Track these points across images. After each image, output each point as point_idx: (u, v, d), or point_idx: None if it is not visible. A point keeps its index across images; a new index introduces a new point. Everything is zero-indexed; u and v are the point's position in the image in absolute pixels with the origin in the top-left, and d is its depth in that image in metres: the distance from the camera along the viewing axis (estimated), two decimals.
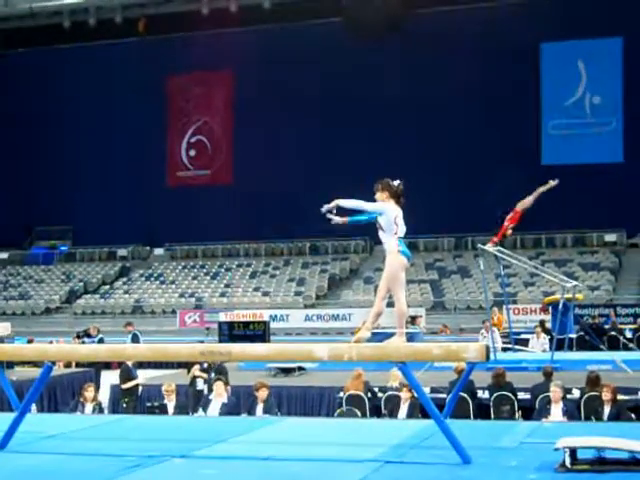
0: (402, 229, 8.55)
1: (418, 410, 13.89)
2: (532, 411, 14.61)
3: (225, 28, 48.19)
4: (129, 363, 17.23)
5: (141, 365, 19.04)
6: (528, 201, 22.53)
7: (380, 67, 45.60)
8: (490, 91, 44.51)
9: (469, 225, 42.98)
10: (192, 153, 51.73)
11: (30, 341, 25.76)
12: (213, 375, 16.73)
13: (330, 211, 8.57)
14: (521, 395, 15.69)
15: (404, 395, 14.54)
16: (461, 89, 44.32)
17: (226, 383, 16.25)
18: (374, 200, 8.63)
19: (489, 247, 22.51)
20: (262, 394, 14.71)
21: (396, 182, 8.69)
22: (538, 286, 39.49)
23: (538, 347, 24.88)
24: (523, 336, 26.83)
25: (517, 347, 24.15)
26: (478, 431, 9.69)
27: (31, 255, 52.52)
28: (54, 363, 9.21)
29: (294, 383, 18.39)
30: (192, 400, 16.92)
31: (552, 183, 22.14)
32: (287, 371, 19.52)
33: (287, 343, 11.17)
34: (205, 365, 17.19)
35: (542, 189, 22.29)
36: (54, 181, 50.06)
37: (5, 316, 42.27)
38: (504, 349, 23.77)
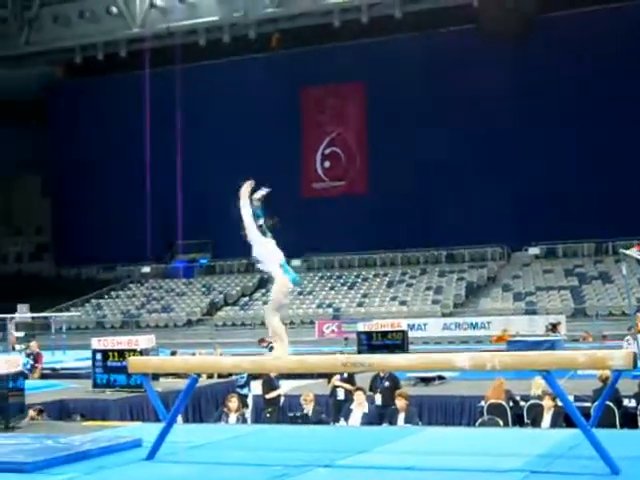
0: (280, 254, 9.22)
1: (562, 419, 13.65)
2: None
3: (357, 39, 48.46)
4: (272, 374, 17.42)
5: (282, 375, 19.20)
6: None
7: (515, 72, 45.04)
8: (630, 92, 43.49)
9: (610, 230, 42.04)
10: (327, 164, 52.03)
11: (173, 353, 26.30)
12: (387, 384, 16.77)
13: None
14: None
15: (547, 404, 14.31)
16: (599, 91, 43.48)
17: (399, 388, 16.40)
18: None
19: (633, 252, 21.96)
20: (402, 403, 14.68)
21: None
22: None
23: None
24: None
25: None
26: (626, 441, 9.45)
27: (172, 269, 53.69)
28: (199, 375, 9.38)
29: (434, 392, 18.28)
30: (333, 410, 17.00)
31: None
32: (427, 380, 19.40)
33: (426, 352, 11.13)
34: (345, 375, 17.25)
35: None
36: (194, 196, 51.00)
37: (149, 328, 43.32)
38: None
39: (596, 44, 43.55)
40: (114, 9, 50.46)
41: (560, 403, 13.21)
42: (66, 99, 55.83)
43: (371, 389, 16.85)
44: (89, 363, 19.74)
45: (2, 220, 64.44)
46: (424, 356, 8.66)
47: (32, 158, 58.58)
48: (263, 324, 41.70)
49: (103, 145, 53.26)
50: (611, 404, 14.48)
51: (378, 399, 16.62)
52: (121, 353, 18.07)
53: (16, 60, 54.29)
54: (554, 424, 13.87)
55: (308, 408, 15.71)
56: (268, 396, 17.64)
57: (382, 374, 16.90)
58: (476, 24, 45.85)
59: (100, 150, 53.38)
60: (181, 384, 15.77)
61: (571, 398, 13.70)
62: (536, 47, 45.16)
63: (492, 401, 15.52)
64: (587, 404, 14.39)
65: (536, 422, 14.38)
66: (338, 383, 17.43)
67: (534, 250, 46.11)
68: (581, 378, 16.53)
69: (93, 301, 50.59)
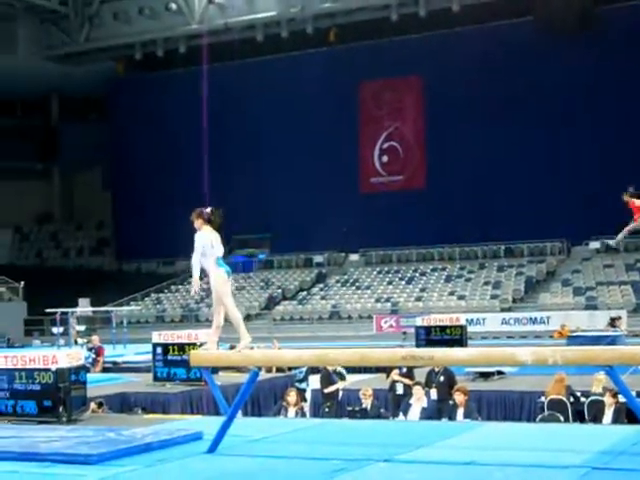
0: (219, 250, 9.76)
1: (624, 416, 13.50)
2: None
3: (414, 34, 48.31)
4: (330, 368, 17.45)
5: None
6: None
7: (574, 66, 44.47)
8: None
9: None
10: (384, 159, 51.87)
11: (232, 347, 26.40)
12: (442, 379, 16.71)
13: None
14: None
15: (608, 400, 14.16)
16: None
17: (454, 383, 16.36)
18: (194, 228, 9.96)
19: None
20: (461, 398, 14.62)
21: (207, 209, 9.94)
22: None
23: None
24: None
25: None
26: None
27: (231, 263, 53.84)
28: (260, 369, 9.43)
29: (493, 387, 18.16)
30: (392, 404, 16.99)
31: None
32: (486, 375, 19.28)
33: (486, 347, 11.08)
34: (404, 369, 17.22)
35: None
36: (252, 191, 51.15)
37: (208, 322, 43.51)
38: None
39: None
40: (173, 5, 50.82)
41: (622, 400, 13.09)
42: (126, 95, 56.37)
43: (427, 384, 16.80)
44: (149, 357, 19.93)
45: (63, 215, 65.32)
46: (486, 350, 8.60)
47: (93, 153, 59.31)
48: (321, 318, 41.65)
49: (162, 140, 53.65)
50: None
51: (433, 394, 16.56)
52: (181, 347, 18.22)
53: (77, 56, 54.96)
54: (615, 420, 13.73)
55: (367, 402, 15.71)
56: (327, 390, 17.67)
57: (437, 369, 16.83)
58: (534, 16, 45.39)
59: (159, 145, 53.82)
60: (240, 378, 15.87)
61: (633, 394, 13.56)
62: (595, 40, 44.53)
63: (553, 397, 15.38)
64: None
65: (597, 419, 14.24)
66: (397, 377, 17.38)
67: (594, 244, 45.60)
68: None
69: (153, 295, 51.06)
